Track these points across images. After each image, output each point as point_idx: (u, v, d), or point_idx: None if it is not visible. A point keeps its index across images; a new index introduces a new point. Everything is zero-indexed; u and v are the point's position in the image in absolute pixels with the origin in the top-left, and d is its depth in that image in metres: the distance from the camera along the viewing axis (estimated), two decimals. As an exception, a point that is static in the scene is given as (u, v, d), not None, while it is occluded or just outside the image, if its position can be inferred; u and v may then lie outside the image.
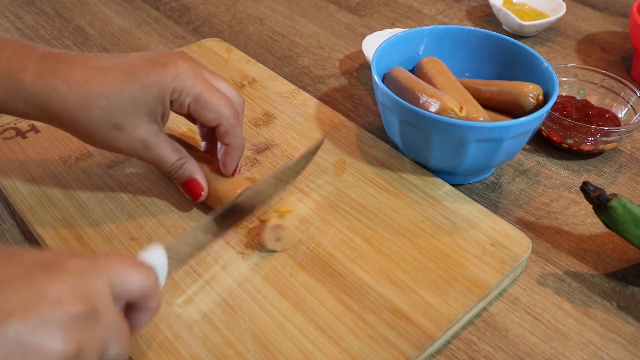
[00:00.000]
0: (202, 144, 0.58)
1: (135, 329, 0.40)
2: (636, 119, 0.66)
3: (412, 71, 0.66)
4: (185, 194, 0.54)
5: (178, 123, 0.65)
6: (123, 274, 0.37)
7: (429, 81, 0.62)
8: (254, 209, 0.52)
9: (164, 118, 0.50)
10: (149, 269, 0.39)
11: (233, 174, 0.54)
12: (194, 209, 0.55)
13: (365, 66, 0.82)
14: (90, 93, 0.46)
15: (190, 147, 0.56)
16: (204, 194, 0.53)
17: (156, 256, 0.42)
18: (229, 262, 0.51)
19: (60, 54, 0.48)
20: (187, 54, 0.51)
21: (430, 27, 0.66)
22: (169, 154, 0.51)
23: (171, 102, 0.49)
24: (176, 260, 0.44)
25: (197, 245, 0.47)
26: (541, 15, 0.91)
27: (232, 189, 0.53)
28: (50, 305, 0.32)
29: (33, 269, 0.34)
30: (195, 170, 0.53)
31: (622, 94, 0.69)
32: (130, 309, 0.39)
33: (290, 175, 0.55)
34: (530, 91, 0.59)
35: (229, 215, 0.50)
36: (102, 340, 0.35)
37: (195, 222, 0.54)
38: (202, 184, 0.53)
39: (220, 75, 0.53)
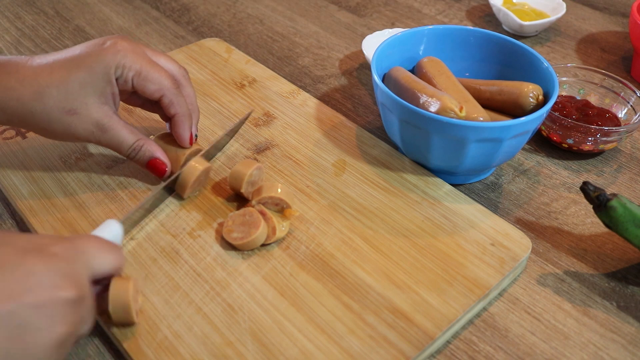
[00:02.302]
0: (167, 126, 0.59)
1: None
2: (636, 119, 0.66)
3: (412, 71, 0.66)
4: (150, 173, 0.56)
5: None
6: (100, 257, 0.40)
7: (429, 81, 0.62)
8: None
9: (115, 99, 0.52)
10: (119, 250, 0.42)
11: (190, 143, 0.56)
12: (193, 210, 0.55)
13: (365, 66, 0.82)
14: (42, 85, 0.49)
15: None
16: (167, 169, 0.55)
17: (115, 231, 0.46)
18: (228, 262, 0.51)
19: (11, 58, 0.51)
20: (128, 36, 0.54)
21: (430, 27, 0.66)
22: (126, 135, 0.53)
23: (117, 80, 0.51)
24: (128, 227, 0.50)
25: (147, 212, 0.53)
26: (541, 15, 0.91)
27: (181, 155, 0.56)
28: (47, 290, 0.35)
29: (25, 254, 0.36)
30: (155, 149, 0.55)
31: (622, 94, 0.69)
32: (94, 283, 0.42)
33: (224, 142, 0.61)
34: (530, 91, 0.59)
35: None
36: (83, 320, 0.38)
37: (195, 222, 0.54)
38: (165, 160, 0.55)
39: (160, 52, 0.56)
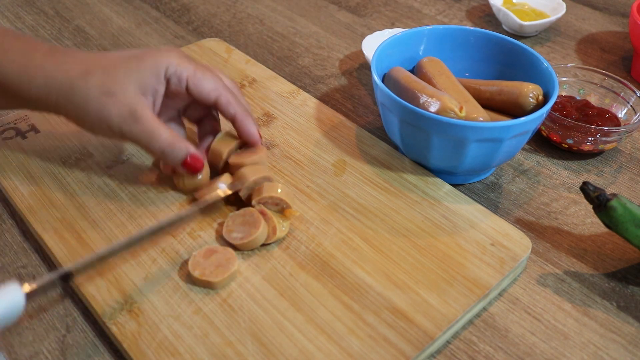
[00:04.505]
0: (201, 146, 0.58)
1: None
2: (636, 119, 0.66)
3: (412, 71, 0.66)
4: (184, 171, 0.53)
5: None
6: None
7: (429, 81, 0.62)
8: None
9: (156, 97, 0.52)
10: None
11: (260, 139, 0.56)
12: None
13: (365, 66, 0.82)
14: (91, 65, 0.51)
15: None
16: (204, 167, 0.54)
17: (6, 295, 0.40)
18: (229, 262, 0.51)
19: (77, 49, 0.55)
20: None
21: (430, 27, 0.66)
22: (160, 129, 0.50)
23: (168, 81, 0.51)
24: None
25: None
26: (541, 15, 0.91)
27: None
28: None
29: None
30: (189, 146, 0.52)
31: (622, 94, 0.69)
32: None
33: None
34: (530, 91, 0.59)
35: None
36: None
37: (195, 222, 0.54)
38: (199, 155, 0.53)
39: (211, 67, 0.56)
